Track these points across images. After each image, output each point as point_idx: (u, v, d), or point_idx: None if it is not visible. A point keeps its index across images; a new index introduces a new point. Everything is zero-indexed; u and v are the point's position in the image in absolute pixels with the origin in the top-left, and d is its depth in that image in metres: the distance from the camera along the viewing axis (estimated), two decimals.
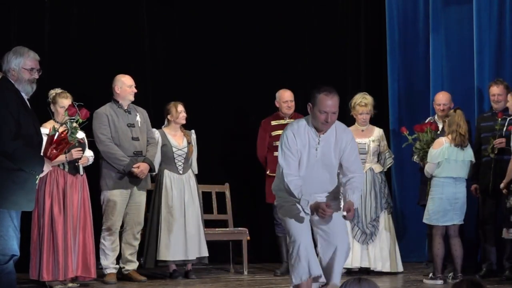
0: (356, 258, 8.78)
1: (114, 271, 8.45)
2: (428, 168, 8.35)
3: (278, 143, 9.13)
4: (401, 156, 9.67)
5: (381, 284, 8.18)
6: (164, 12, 10.24)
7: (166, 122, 8.93)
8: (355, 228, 8.83)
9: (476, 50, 9.49)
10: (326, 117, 5.94)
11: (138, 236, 8.61)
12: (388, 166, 9.25)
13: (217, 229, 9.27)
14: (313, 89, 6.15)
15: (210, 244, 8.87)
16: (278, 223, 9.24)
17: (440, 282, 8.20)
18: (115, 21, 9.78)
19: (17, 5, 9.25)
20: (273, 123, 9.33)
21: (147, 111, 8.83)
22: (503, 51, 9.41)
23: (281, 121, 9.32)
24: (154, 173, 8.79)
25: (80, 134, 7.90)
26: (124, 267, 8.54)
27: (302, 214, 6.02)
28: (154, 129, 8.80)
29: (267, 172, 9.31)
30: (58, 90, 8.02)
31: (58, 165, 7.84)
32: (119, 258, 8.55)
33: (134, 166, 8.39)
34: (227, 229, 9.47)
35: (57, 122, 7.81)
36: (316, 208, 5.89)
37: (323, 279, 6.05)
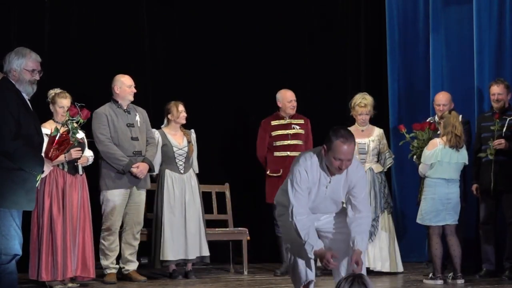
0: None
1: (114, 271, 8.45)
2: (421, 168, 8.37)
3: (278, 143, 9.27)
4: (401, 156, 9.67)
5: (381, 284, 8.19)
6: (164, 12, 10.24)
7: (165, 122, 8.93)
8: None
9: (476, 50, 9.49)
10: (340, 164, 5.74)
11: (138, 236, 8.61)
12: (388, 166, 9.25)
13: (217, 229, 9.27)
14: (330, 131, 5.83)
15: (210, 244, 8.87)
16: (277, 222, 9.24)
17: (440, 282, 8.20)
18: (115, 21, 9.78)
19: (17, 5, 9.25)
20: (273, 123, 9.33)
21: (147, 111, 8.83)
22: (503, 51, 9.41)
23: (281, 121, 9.32)
24: (154, 173, 8.79)
25: (80, 134, 7.91)
26: (124, 267, 8.54)
27: None
28: (153, 130, 8.80)
29: (267, 172, 9.31)
30: (57, 90, 8.02)
31: (58, 165, 7.84)
32: (119, 258, 8.55)
33: (134, 166, 8.39)
34: (227, 229, 9.47)
35: (57, 122, 7.82)
36: (320, 256, 5.78)
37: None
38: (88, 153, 8.17)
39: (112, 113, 8.47)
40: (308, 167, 5.83)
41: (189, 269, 8.80)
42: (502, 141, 8.52)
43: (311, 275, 6.01)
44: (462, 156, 8.29)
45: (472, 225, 9.13)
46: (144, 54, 10.02)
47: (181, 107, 8.84)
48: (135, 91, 8.57)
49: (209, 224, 9.07)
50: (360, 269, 5.71)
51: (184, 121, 8.87)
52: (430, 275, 8.31)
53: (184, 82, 10.04)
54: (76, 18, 9.64)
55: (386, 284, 8.36)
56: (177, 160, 8.78)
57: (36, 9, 9.35)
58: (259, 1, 10.59)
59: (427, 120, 8.96)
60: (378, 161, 9.16)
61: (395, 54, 10.50)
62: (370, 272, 8.75)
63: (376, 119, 9.37)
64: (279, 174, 9.21)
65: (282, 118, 9.32)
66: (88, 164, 8.17)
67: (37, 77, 5.76)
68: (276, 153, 9.27)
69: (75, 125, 7.60)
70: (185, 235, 8.64)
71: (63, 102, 7.92)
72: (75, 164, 7.98)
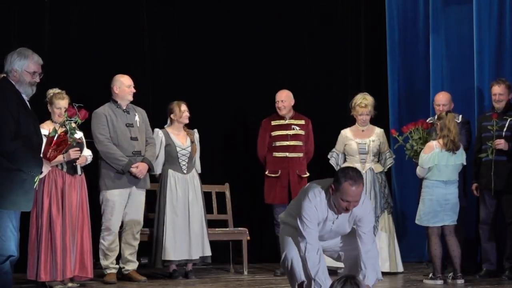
0: None
1: (114, 271, 8.45)
2: (419, 171, 8.37)
3: (277, 143, 9.26)
4: (401, 156, 9.65)
5: (381, 284, 8.17)
6: (164, 12, 10.24)
7: (169, 122, 8.92)
8: None
9: (476, 50, 9.48)
10: (348, 205, 5.75)
11: (138, 236, 8.60)
12: (388, 166, 9.25)
13: (217, 229, 9.27)
14: (338, 171, 5.85)
15: (210, 244, 8.86)
16: (277, 223, 9.23)
17: (440, 282, 8.20)
18: (115, 21, 9.78)
19: (17, 5, 9.25)
20: (273, 123, 9.32)
21: (147, 111, 8.83)
22: (503, 51, 9.40)
23: (281, 121, 9.31)
24: (156, 174, 8.79)
25: (78, 134, 7.91)
26: (124, 267, 8.54)
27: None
28: (157, 129, 8.79)
29: (266, 173, 9.30)
30: (56, 90, 8.00)
31: (56, 166, 7.84)
32: (119, 258, 8.55)
33: (133, 166, 8.39)
34: (227, 229, 9.47)
35: (55, 122, 7.82)
36: None
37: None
38: (87, 153, 8.16)
39: (112, 113, 8.47)
40: (317, 204, 5.85)
41: (189, 269, 8.80)
42: (502, 141, 8.52)
43: (302, 276, 6.04)
44: (459, 158, 8.29)
45: (472, 225, 9.13)
46: (144, 54, 10.01)
47: (184, 107, 8.83)
48: (134, 91, 8.57)
49: (209, 224, 9.06)
50: None
51: (187, 121, 8.86)
52: (430, 275, 8.31)
53: (184, 82, 10.04)
54: (76, 18, 9.63)
55: (386, 284, 8.36)
56: (180, 160, 8.77)
57: (36, 9, 9.35)
58: (259, 1, 10.58)
59: (427, 120, 8.95)
60: (378, 161, 9.16)
61: (395, 54, 10.50)
62: None
63: (376, 119, 9.37)
64: (277, 175, 9.21)
65: (282, 118, 9.32)
66: (87, 163, 8.17)
67: (37, 79, 5.78)
68: (275, 154, 9.27)
69: (73, 125, 7.60)
70: (189, 235, 8.64)
71: (61, 103, 7.91)
72: (74, 164, 7.98)
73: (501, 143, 8.51)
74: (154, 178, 8.89)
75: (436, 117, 8.98)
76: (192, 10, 10.31)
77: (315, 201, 5.85)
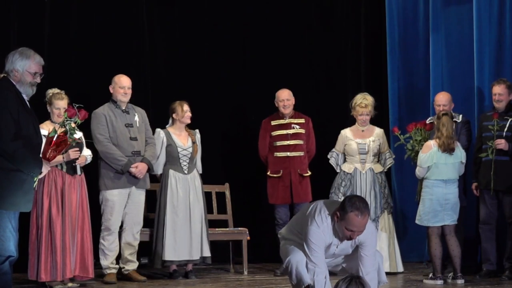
0: None
1: (114, 271, 8.45)
2: (418, 171, 8.36)
3: (278, 143, 9.26)
4: (401, 156, 9.64)
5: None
6: (164, 12, 10.23)
7: (170, 122, 8.91)
8: None
9: (476, 50, 9.48)
10: (352, 234, 5.73)
11: (138, 236, 8.60)
12: (388, 166, 9.25)
13: (217, 229, 9.26)
14: (346, 199, 5.77)
15: (210, 244, 8.86)
16: (278, 223, 9.24)
17: (440, 282, 8.19)
18: (115, 21, 9.78)
19: (17, 5, 9.24)
20: (273, 123, 9.32)
21: (147, 111, 8.83)
22: (503, 51, 9.40)
23: (281, 121, 9.32)
24: (156, 174, 8.79)
25: (78, 134, 7.91)
26: (124, 267, 8.54)
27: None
28: (158, 129, 8.79)
29: (268, 173, 9.30)
30: (55, 90, 7.99)
31: (56, 166, 7.84)
32: (119, 258, 8.55)
33: (132, 166, 8.38)
34: (227, 229, 9.46)
35: (54, 122, 7.81)
36: None
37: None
38: (87, 153, 8.17)
39: (111, 113, 8.47)
40: (324, 229, 5.83)
41: (189, 269, 8.80)
42: (502, 141, 8.51)
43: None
44: (457, 156, 8.28)
45: (472, 225, 9.13)
46: (144, 54, 10.01)
47: (186, 107, 8.82)
48: (128, 92, 8.51)
49: (209, 224, 9.06)
50: None
51: (188, 121, 8.85)
52: (430, 275, 8.31)
53: (184, 82, 10.04)
54: (76, 18, 9.63)
55: (386, 284, 8.34)
56: (181, 161, 8.76)
57: (36, 9, 9.34)
58: (259, 1, 10.58)
59: (427, 121, 8.95)
60: (378, 161, 9.16)
61: (395, 54, 10.50)
62: None
63: (376, 119, 9.37)
64: (279, 175, 9.21)
65: (282, 118, 9.32)
66: (87, 163, 8.17)
67: (38, 79, 5.77)
68: (276, 154, 9.27)
69: (73, 125, 7.60)
70: (190, 235, 8.64)
71: (60, 103, 7.90)
72: (74, 164, 7.98)
73: (501, 143, 8.51)
74: (154, 178, 8.89)
75: (436, 116, 9.00)
76: (192, 10, 10.31)
77: (323, 227, 5.82)
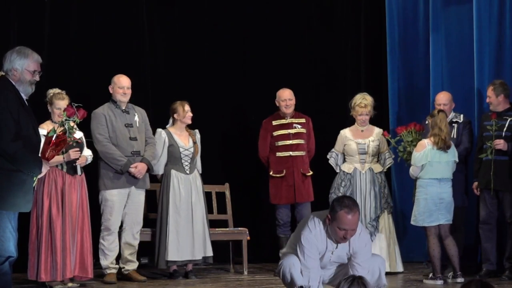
0: None
1: (114, 271, 8.45)
2: (412, 171, 8.36)
3: (279, 143, 9.27)
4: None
5: None
6: (164, 12, 10.23)
7: (171, 122, 8.91)
8: None
9: (476, 50, 9.48)
10: (345, 234, 5.80)
11: (138, 236, 8.60)
12: (388, 166, 9.25)
13: (217, 229, 9.26)
14: (334, 201, 5.91)
15: (211, 244, 8.86)
16: (278, 223, 9.25)
17: (440, 282, 8.19)
18: (115, 21, 9.78)
19: (17, 5, 9.25)
20: (274, 123, 9.32)
21: (147, 111, 8.83)
22: (503, 51, 9.40)
23: (282, 120, 9.32)
24: (158, 174, 8.78)
25: (78, 134, 7.91)
26: (124, 267, 8.54)
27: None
28: (160, 129, 8.78)
29: (270, 173, 9.30)
30: (56, 90, 8.01)
31: (56, 166, 7.84)
32: (118, 258, 8.55)
33: (132, 166, 8.38)
34: (227, 229, 9.46)
35: (54, 122, 7.82)
36: None
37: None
38: (87, 153, 8.17)
39: (111, 113, 8.47)
40: (317, 234, 5.91)
41: (189, 269, 8.80)
42: (501, 141, 8.51)
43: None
44: (451, 155, 8.28)
45: (472, 225, 9.13)
46: (144, 54, 10.01)
47: (187, 107, 8.82)
48: (127, 92, 8.52)
49: (209, 224, 9.06)
50: None
51: (190, 121, 8.85)
52: (430, 275, 8.31)
53: (184, 82, 10.04)
54: (76, 18, 9.63)
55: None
56: (183, 161, 8.76)
57: (36, 9, 9.35)
58: (259, 1, 10.58)
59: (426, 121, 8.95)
60: (378, 161, 9.16)
61: (395, 54, 10.49)
62: None
63: (376, 119, 9.37)
64: (282, 175, 9.21)
65: (283, 117, 9.32)
66: (88, 163, 8.17)
67: (37, 78, 5.77)
68: (279, 154, 9.27)
69: (72, 124, 7.60)
70: (192, 235, 8.64)
71: (60, 103, 7.91)
72: (74, 164, 7.98)
73: (500, 143, 8.50)
74: (154, 178, 8.89)
75: (430, 115, 9.00)
76: (192, 10, 10.31)
77: (315, 231, 5.91)
